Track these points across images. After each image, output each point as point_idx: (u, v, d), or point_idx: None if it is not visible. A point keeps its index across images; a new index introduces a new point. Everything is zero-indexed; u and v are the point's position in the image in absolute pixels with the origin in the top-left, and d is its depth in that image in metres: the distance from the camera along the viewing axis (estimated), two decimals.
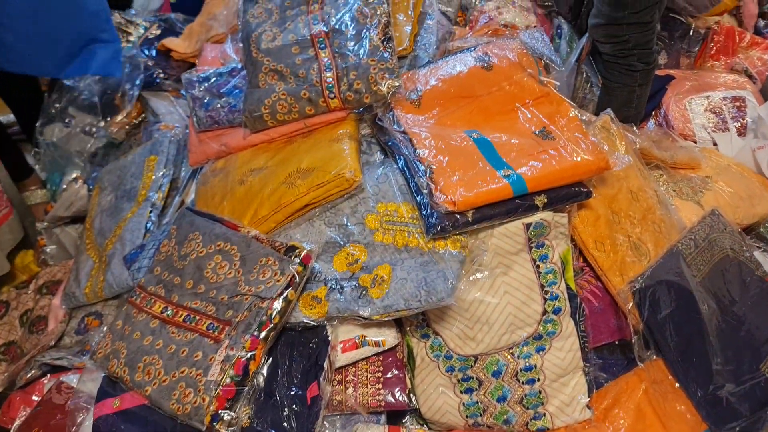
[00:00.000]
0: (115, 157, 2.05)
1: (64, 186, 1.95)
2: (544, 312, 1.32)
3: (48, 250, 1.99)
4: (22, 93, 2.28)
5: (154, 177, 1.75)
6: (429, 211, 1.25)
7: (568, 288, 1.34)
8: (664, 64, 2.39)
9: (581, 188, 1.31)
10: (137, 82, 2.06)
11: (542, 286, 1.32)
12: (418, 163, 1.31)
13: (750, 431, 1.28)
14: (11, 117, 2.47)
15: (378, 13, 1.51)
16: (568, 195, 1.30)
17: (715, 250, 1.51)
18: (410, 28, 1.58)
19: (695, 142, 2.07)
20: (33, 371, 1.53)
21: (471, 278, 1.29)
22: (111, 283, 1.60)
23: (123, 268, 1.57)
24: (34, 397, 1.47)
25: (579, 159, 1.28)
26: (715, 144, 2.06)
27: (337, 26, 1.50)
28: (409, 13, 1.61)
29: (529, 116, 1.37)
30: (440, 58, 1.54)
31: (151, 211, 1.69)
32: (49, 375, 1.52)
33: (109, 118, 2.01)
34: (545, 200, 1.27)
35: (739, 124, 2.10)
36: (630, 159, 1.35)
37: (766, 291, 1.50)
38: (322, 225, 1.33)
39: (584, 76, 2.22)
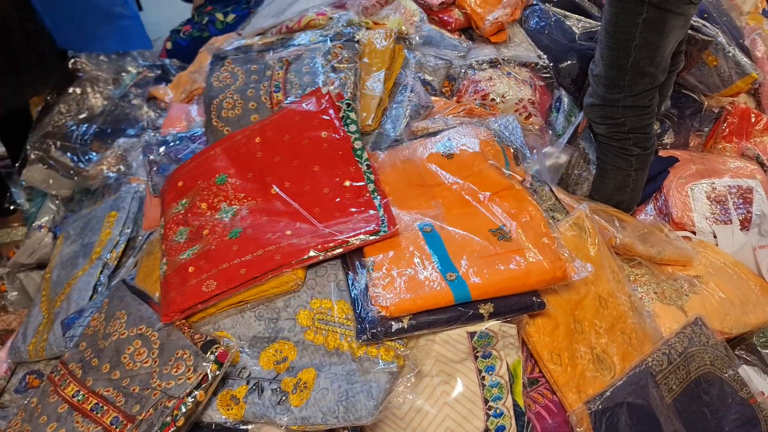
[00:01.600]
0: (88, 204, 2.01)
1: (29, 234, 1.90)
2: (486, 430, 1.19)
3: (9, 297, 1.94)
4: (12, 123, 2.28)
5: (111, 234, 1.69)
6: (362, 313, 1.15)
7: (516, 404, 1.22)
8: (671, 143, 2.26)
9: (534, 298, 1.20)
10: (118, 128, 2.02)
11: (486, 401, 1.20)
12: (361, 257, 1.22)
13: None
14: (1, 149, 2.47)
15: (345, 83, 1.44)
16: (518, 305, 1.18)
17: (692, 367, 1.37)
18: (378, 102, 1.49)
19: (694, 233, 1.94)
20: None
21: (409, 385, 1.18)
22: (51, 344, 1.54)
23: (61, 331, 1.50)
24: None
25: (532, 266, 1.17)
26: (715, 236, 1.92)
27: (297, 97, 1.43)
28: (380, 84, 1.52)
29: (487, 213, 1.27)
30: (404, 141, 1.45)
31: (101, 271, 1.62)
32: None
33: (89, 163, 1.97)
34: (491, 309, 1.16)
35: (743, 217, 1.96)
36: (591, 268, 1.23)
37: (749, 417, 1.36)
38: (252, 317, 1.24)
39: (582, 152, 2.11)
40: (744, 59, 2.09)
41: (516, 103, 1.91)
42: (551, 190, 1.56)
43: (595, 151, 1.93)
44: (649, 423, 1.23)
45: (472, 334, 1.18)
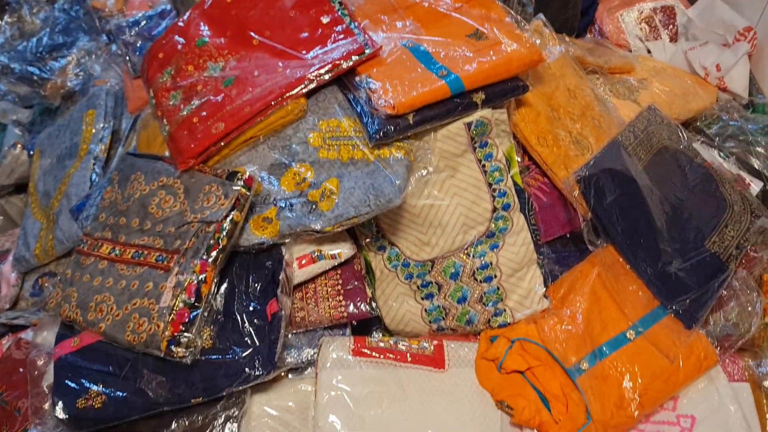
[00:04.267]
0: (52, 123, 2.00)
1: (3, 154, 1.89)
2: (494, 209, 1.34)
3: None
4: None
5: (93, 131, 1.71)
6: (369, 119, 1.25)
7: (515, 184, 1.37)
8: None
9: (518, 82, 1.33)
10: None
11: (490, 185, 1.34)
12: (356, 76, 1.31)
13: (699, 303, 1.32)
14: None
15: None
16: (505, 90, 1.31)
17: (654, 141, 1.55)
18: None
19: (630, 51, 2.12)
20: None
21: (419, 179, 1.30)
22: (61, 239, 1.57)
23: (71, 222, 1.54)
24: None
25: (513, 53, 1.29)
26: (649, 52, 2.11)
27: None
28: None
29: (462, 20, 1.38)
30: None
31: (94, 164, 1.65)
32: (8, 335, 1.49)
33: (42, 80, 1.95)
34: (483, 97, 1.29)
35: (670, 31, 2.14)
36: (562, 49, 1.37)
37: (707, 175, 1.55)
38: (266, 149, 1.32)
39: None
40: None
41: None
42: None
43: None
44: (628, 183, 1.40)
45: (469, 125, 1.30)
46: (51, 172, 1.75)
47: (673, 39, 2.13)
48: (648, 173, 1.47)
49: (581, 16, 2.15)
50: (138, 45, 1.56)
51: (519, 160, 1.40)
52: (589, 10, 2.25)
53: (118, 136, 1.73)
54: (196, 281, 1.16)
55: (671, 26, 2.15)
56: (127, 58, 1.57)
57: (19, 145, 1.85)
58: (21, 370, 1.36)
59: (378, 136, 1.23)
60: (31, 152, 1.90)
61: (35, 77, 1.91)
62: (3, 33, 2.02)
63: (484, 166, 1.34)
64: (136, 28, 1.59)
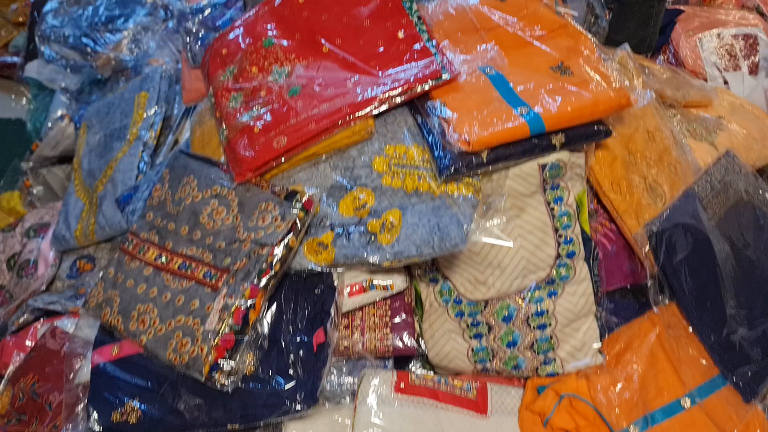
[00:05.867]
0: (102, 95, 1.95)
1: (50, 125, 1.85)
2: (558, 256, 1.27)
3: (35, 191, 1.91)
4: None
5: (145, 115, 1.66)
6: (441, 152, 1.18)
7: (583, 231, 1.30)
8: (672, 0, 2.29)
9: (600, 127, 1.24)
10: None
11: (556, 230, 1.27)
12: (429, 100, 1.23)
13: (761, 376, 1.26)
14: None
15: None
16: (586, 134, 1.23)
17: (730, 193, 1.46)
18: None
19: (706, 80, 2.01)
20: (25, 316, 1.48)
21: (485, 223, 1.24)
22: (103, 226, 1.54)
23: (115, 210, 1.50)
24: (28, 342, 1.42)
25: (599, 96, 1.21)
26: (726, 83, 2.00)
27: None
28: None
29: (546, 50, 1.29)
30: None
31: (143, 151, 1.61)
32: (42, 320, 1.46)
33: (95, 53, 1.89)
34: (563, 140, 1.21)
35: (751, 62, 2.03)
36: (652, 95, 1.28)
37: None
38: (327, 168, 1.26)
39: (590, 7, 2.13)
40: None
41: None
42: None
43: None
44: (700, 241, 1.32)
45: (543, 167, 1.23)
46: (97, 150, 1.71)
47: (753, 72, 2.02)
48: (721, 229, 1.39)
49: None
50: (201, 34, 1.49)
51: (589, 205, 1.32)
52: (666, 29, 2.14)
53: (169, 122, 1.68)
54: (244, 307, 1.11)
55: (753, 57, 2.03)
56: (189, 46, 1.50)
57: (66, 118, 1.81)
58: (55, 362, 1.33)
59: (449, 173, 1.16)
60: (78, 125, 1.85)
61: (89, 49, 1.85)
62: None
63: (552, 209, 1.27)
64: (200, 16, 1.52)
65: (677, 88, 1.69)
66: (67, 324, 1.41)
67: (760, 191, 1.52)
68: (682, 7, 2.21)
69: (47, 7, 1.96)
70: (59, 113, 1.84)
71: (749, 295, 1.33)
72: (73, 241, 1.61)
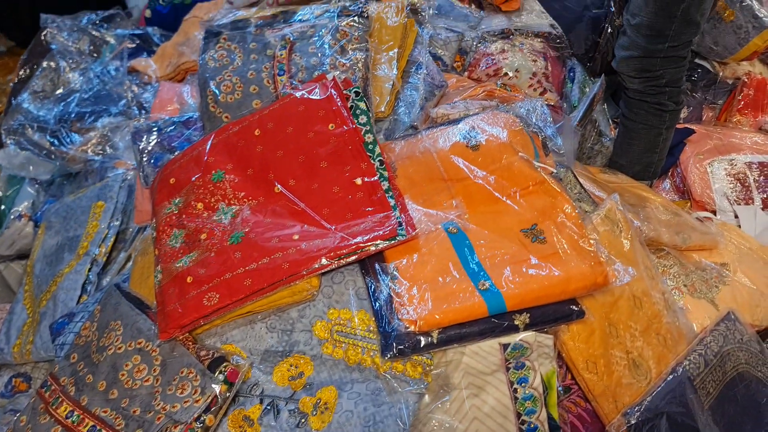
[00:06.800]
0: (70, 189, 1.86)
1: (7, 224, 1.76)
2: None
3: None
4: None
5: (99, 227, 1.55)
6: (387, 326, 1.04)
7: (550, 418, 1.13)
8: (684, 118, 2.15)
9: (572, 306, 1.10)
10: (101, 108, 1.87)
11: (519, 415, 1.11)
12: (382, 262, 1.10)
13: None
14: None
15: (355, 66, 1.30)
16: (555, 314, 1.09)
17: (728, 367, 1.30)
18: (391, 85, 1.36)
19: (714, 213, 1.85)
20: None
21: (437, 403, 1.08)
22: (39, 348, 1.44)
23: (50, 336, 1.39)
24: None
25: (572, 272, 1.07)
26: (736, 216, 1.84)
27: (304, 81, 1.29)
28: (393, 65, 1.38)
29: (518, 210, 1.16)
30: (422, 129, 1.32)
31: (90, 269, 1.50)
32: None
33: (70, 145, 1.80)
34: (527, 320, 1.07)
35: (765, 196, 1.87)
36: (634, 272, 1.13)
37: None
38: (264, 329, 1.13)
39: (594, 124, 2.01)
40: (762, 11, 1.99)
41: (530, 78, 1.79)
42: (575, 175, 1.45)
43: (623, 112, 1.83)
44: None
45: (505, 346, 1.09)
46: (50, 257, 1.61)
47: (767, 206, 1.85)
48: (715, 414, 1.23)
49: None
50: (154, 154, 1.39)
51: (559, 385, 1.16)
52: (675, 150, 2.00)
53: (125, 236, 1.57)
54: None
55: (767, 190, 1.87)
56: (142, 167, 1.40)
57: (25, 217, 1.71)
58: None
59: (391, 353, 1.02)
60: (39, 223, 1.76)
61: (53, 147, 1.77)
62: (34, 84, 1.90)
63: (515, 390, 1.11)
64: (156, 135, 1.42)
65: (677, 232, 1.53)
66: None
67: (764, 364, 1.35)
68: (693, 126, 2.07)
69: (20, 98, 1.89)
70: (19, 210, 1.75)
71: None
72: (10, 356, 1.51)
